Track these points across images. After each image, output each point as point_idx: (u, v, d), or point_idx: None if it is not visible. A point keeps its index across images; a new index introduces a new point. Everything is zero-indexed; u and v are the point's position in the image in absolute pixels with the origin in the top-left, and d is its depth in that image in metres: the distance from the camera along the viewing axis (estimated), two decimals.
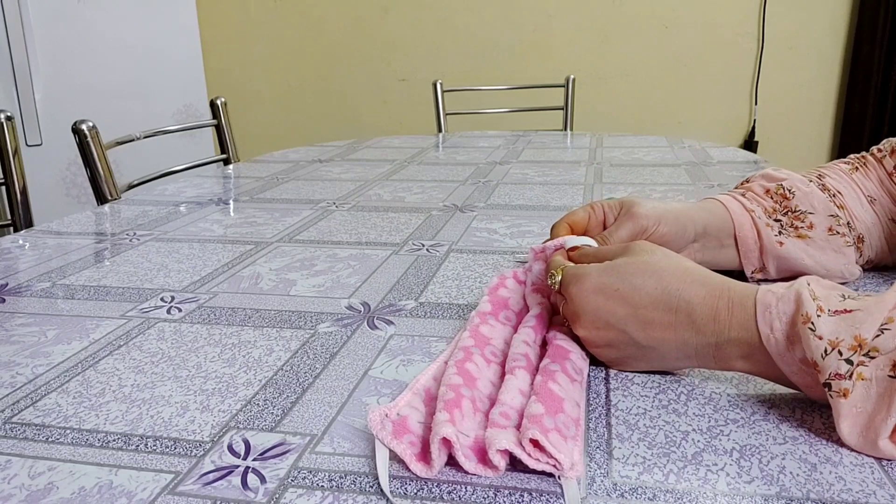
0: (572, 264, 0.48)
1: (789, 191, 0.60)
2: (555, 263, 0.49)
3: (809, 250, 0.58)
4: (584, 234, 0.59)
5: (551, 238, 0.57)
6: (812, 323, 0.37)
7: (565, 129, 1.97)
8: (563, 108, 1.98)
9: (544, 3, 2.68)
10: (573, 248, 0.52)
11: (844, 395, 0.35)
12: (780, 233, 0.59)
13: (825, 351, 0.36)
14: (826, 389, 0.36)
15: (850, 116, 2.56)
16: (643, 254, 0.45)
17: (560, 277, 0.47)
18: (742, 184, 0.65)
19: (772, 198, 0.60)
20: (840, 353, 0.36)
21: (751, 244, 0.59)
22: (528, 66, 2.74)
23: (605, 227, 0.59)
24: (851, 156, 0.65)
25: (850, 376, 0.35)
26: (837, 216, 0.59)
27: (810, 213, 0.59)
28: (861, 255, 0.61)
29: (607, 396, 0.43)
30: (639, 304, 0.42)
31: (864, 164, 0.64)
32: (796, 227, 0.59)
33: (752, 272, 0.60)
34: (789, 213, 0.59)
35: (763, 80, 2.61)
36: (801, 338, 0.37)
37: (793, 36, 2.55)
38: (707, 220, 0.59)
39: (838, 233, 0.59)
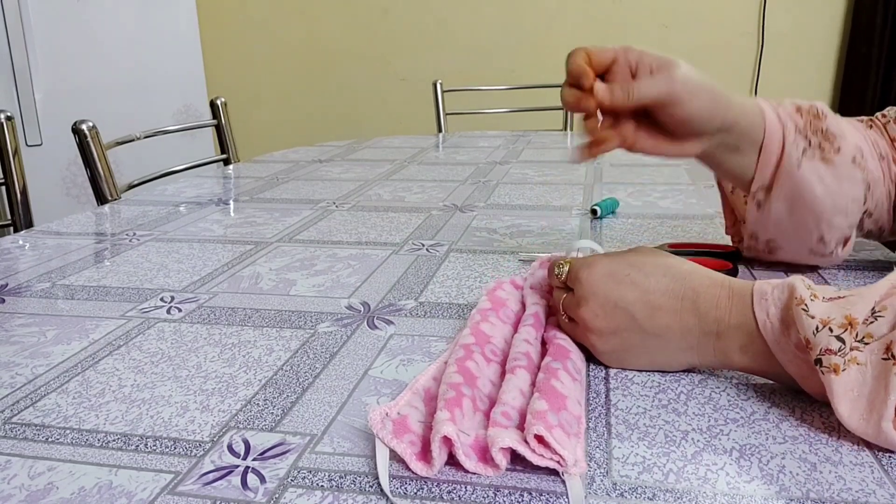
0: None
1: (822, 112, 0.58)
2: (561, 259, 0.50)
3: (827, 177, 0.56)
4: (605, 76, 0.53)
5: (569, 61, 0.54)
6: (805, 304, 0.38)
7: (565, 129, 1.97)
8: (563, 108, 1.98)
9: (544, 3, 2.68)
10: None
11: (835, 371, 0.36)
12: (803, 153, 0.56)
13: (816, 328, 0.37)
14: (817, 366, 0.37)
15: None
16: (650, 253, 0.47)
17: (567, 268, 0.48)
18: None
19: (803, 116, 0.58)
20: (831, 329, 0.37)
21: (772, 158, 0.56)
22: (528, 66, 2.73)
23: (633, 77, 0.53)
24: (859, 118, 0.64)
25: (841, 353, 0.36)
26: (861, 149, 0.57)
27: (840, 137, 0.57)
28: (864, 203, 0.59)
29: (607, 396, 0.43)
30: (649, 289, 0.44)
31: (872, 126, 0.63)
32: (823, 149, 0.57)
33: (757, 189, 0.58)
34: (819, 133, 0.57)
35: (763, 80, 2.60)
36: (794, 320, 0.38)
37: (793, 36, 2.55)
38: (739, 118, 0.55)
39: (860, 166, 0.57)
